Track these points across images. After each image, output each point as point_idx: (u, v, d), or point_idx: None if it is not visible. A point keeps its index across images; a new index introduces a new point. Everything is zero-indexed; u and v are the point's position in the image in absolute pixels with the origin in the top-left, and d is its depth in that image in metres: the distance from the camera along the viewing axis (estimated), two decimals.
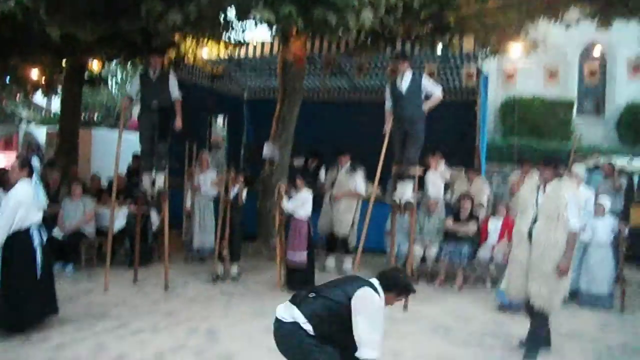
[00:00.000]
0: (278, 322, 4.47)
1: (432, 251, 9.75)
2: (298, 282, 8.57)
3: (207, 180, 10.50)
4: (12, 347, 5.88)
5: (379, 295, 4.33)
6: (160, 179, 8.93)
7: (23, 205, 6.32)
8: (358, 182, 10.31)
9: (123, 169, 11.66)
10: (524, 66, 12.50)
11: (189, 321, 6.99)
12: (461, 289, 9.34)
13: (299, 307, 4.36)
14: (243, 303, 8.04)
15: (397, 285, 4.43)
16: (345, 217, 10.25)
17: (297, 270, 8.68)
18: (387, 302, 4.41)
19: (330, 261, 10.49)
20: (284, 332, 4.40)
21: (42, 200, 6.69)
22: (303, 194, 8.87)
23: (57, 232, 9.59)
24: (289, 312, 4.34)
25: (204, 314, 7.32)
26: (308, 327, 4.27)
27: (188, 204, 10.83)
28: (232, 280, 9.43)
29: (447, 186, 11.98)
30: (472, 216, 9.83)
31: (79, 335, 6.33)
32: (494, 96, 20.92)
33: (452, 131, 13.70)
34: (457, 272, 9.54)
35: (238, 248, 9.71)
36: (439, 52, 11.94)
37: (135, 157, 11.93)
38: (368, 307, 4.24)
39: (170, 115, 8.76)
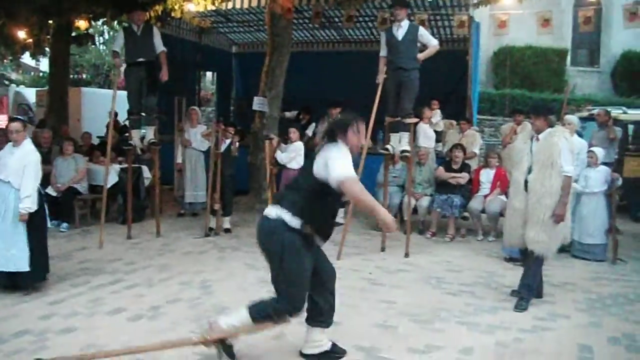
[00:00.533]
0: (263, 218, 4.42)
1: (424, 202, 9.79)
2: None
3: (197, 135, 10.48)
4: (10, 304, 5.93)
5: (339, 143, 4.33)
6: (151, 133, 9.01)
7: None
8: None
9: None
10: (517, 14, 12.40)
11: (183, 275, 7.06)
12: (453, 240, 9.43)
13: (280, 203, 4.33)
14: (236, 256, 8.12)
15: (343, 125, 4.47)
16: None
17: None
18: (349, 143, 4.40)
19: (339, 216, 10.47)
20: (266, 229, 4.37)
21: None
22: (296, 145, 8.90)
23: (50, 191, 9.61)
24: (274, 211, 4.31)
25: (197, 268, 7.38)
26: (293, 222, 4.23)
27: (179, 159, 10.84)
28: (224, 233, 9.50)
29: (439, 137, 12.02)
30: (464, 167, 9.86)
31: (75, 291, 6.38)
32: (486, 45, 20.80)
33: (443, 82, 13.66)
34: (449, 223, 9.62)
35: (230, 202, 9.78)
36: (429, 1, 11.87)
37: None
38: (331, 149, 4.25)
39: (156, 69, 8.80)
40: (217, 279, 6.95)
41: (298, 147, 8.94)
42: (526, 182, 6.19)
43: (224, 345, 4.47)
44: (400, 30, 8.21)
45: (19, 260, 6.21)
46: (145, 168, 10.57)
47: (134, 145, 9.03)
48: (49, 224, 8.76)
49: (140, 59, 8.72)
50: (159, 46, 8.81)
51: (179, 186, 10.98)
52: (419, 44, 8.32)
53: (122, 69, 9.10)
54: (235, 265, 7.62)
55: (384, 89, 8.37)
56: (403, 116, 8.28)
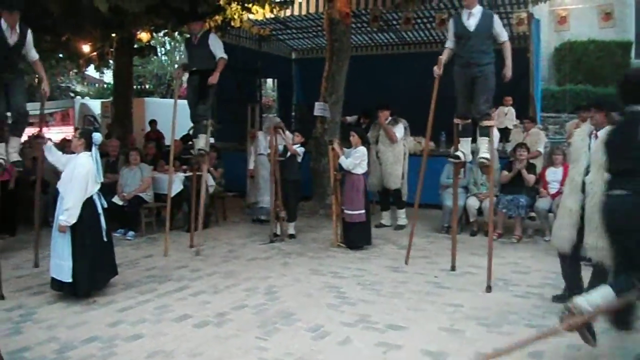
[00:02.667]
0: (619, 197, 4.41)
1: (489, 203, 9.62)
2: (355, 239, 8.63)
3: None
4: (79, 311, 6.05)
5: None
6: (202, 141, 8.91)
7: (89, 177, 6.49)
8: (397, 130, 10.14)
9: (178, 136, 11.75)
10: (577, 8, 12.13)
11: (248, 281, 7.09)
12: (520, 241, 9.24)
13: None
14: (301, 261, 8.12)
15: None
16: (394, 170, 10.10)
17: (354, 227, 8.70)
18: None
19: (386, 217, 10.49)
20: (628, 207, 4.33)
21: (100, 174, 6.81)
22: (360, 150, 8.84)
23: (116, 200, 9.80)
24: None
25: (262, 274, 7.41)
26: None
27: (251, 165, 10.84)
28: (289, 239, 9.53)
29: (506, 135, 11.84)
30: (529, 166, 9.65)
31: (142, 298, 6.48)
32: (547, 41, 20.40)
33: (503, 80, 13.46)
34: (515, 224, 9.43)
35: (294, 208, 9.80)
36: None
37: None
38: None
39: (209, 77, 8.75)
40: (282, 284, 6.96)
41: (362, 152, 8.86)
42: (583, 183, 5.71)
43: (589, 327, 4.36)
44: (472, 19, 7.05)
45: (61, 271, 6.36)
46: (209, 176, 10.67)
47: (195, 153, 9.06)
48: (116, 233, 9.01)
49: (194, 68, 8.88)
50: (218, 54, 8.74)
51: (251, 193, 10.99)
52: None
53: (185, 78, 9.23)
54: (300, 270, 7.62)
55: (450, 86, 7.36)
56: (479, 118, 7.24)
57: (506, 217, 9.47)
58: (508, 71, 7.04)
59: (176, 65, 35.08)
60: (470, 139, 7.56)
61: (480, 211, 9.63)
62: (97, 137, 6.73)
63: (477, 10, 7.05)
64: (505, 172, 9.68)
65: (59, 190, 6.53)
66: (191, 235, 9.15)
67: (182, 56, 9.49)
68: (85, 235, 6.45)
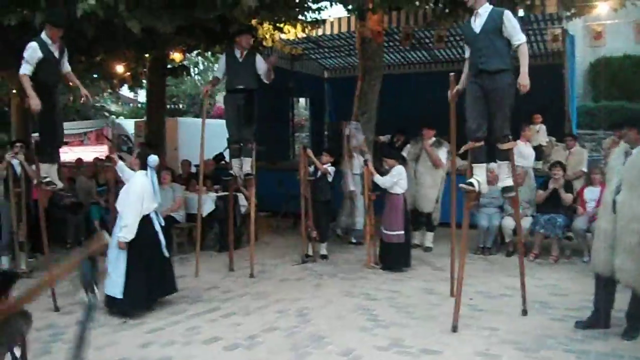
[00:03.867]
0: None
1: (526, 223, 9.43)
2: (393, 261, 8.49)
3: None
4: (109, 332, 6.04)
5: None
6: (247, 164, 8.77)
7: (144, 195, 6.69)
8: (441, 154, 10.02)
9: (209, 155, 11.75)
10: (613, 23, 11.94)
11: (279, 303, 7.02)
12: (557, 262, 9.03)
13: None
14: (333, 283, 8.03)
15: None
16: (430, 193, 9.95)
17: (393, 248, 8.55)
18: None
19: (417, 237, 10.29)
20: None
21: (158, 194, 6.99)
22: (397, 169, 8.71)
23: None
24: None
25: (294, 295, 7.34)
26: None
27: (352, 186, 10.34)
28: (321, 260, 9.44)
29: (539, 155, 11.63)
30: (566, 185, 9.44)
31: (173, 319, 6.45)
32: (582, 58, 20.15)
33: (538, 97, 13.24)
34: (552, 244, 9.22)
35: (326, 228, 9.70)
36: (520, 15, 11.57)
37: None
38: None
39: (254, 98, 8.59)
40: (314, 306, 6.87)
41: (399, 170, 8.71)
42: (614, 202, 5.52)
43: None
44: (479, 20, 6.05)
45: (114, 286, 6.46)
46: (241, 196, 10.64)
47: (235, 175, 8.85)
48: None
49: (240, 86, 8.50)
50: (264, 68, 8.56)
51: (344, 213, 10.70)
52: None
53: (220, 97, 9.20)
54: (332, 292, 7.52)
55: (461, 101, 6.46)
56: (496, 139, 6.15)
57: (543, 237, 9.27)
58: (524, 79, 5.80)
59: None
60: (485, 164, 6.29)
61: (516, 232, 9.44)
62: (152, 159, 6.95)
63: (485, 9, 6.01)
64: (540, 192, 9.49)
65: (117, 208, 6.73)
66: (230, 256, 9.09)
67: (216, 70, 9.04)
68: (142, 253, 6.63)
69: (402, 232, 8.48)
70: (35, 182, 7.54)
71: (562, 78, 12.25)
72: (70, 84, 8.22)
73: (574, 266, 8.81)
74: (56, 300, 6.93)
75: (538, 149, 11.88)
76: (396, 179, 8.62)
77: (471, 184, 6.15)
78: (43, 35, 6.97)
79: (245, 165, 8.76)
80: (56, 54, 7.11)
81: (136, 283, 6.52)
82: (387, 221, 8.60)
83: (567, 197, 9.20)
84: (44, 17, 7.44)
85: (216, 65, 9.37)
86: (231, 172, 8.90)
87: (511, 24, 5.87)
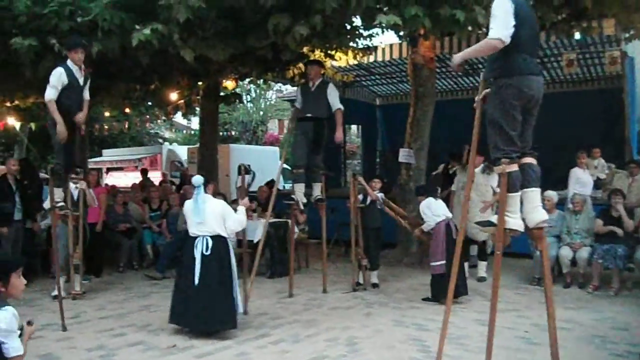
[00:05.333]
0: None
1: (584, 253, 9.17)
2: (435, 292, 8.29)
3: None
4: (158, 356, 6.05)
5: None
6: (317, 190, 9.10)
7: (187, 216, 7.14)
8: (492, 180, 9.82)
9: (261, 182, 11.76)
10: None
11: (329, 331, 6.93)
12: (617, 294, 8.73)
13: None
14: (383, 312, 7.91)
15: None
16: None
17: (435, 279, 8.36)
18: None
19: (465, 269, 9.99)
20: None
21: (200, 212, 7.04)
22: (424, 204, 8.59)
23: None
24: None
25: (344, 324, 7.23)
26: None
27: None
28: (372, 288, 9.31)
29: (598, 184, 11.36)
30: (627, 213, 9.15)
31: (221, 345, 6.43)
32: None
33: (596, 122, 13.02)
34: (613, 276, 8.93)
35: (376, 256, 9.59)
36: (576, 39, 11.42)
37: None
38: None
39: (324, 127, 8.85)
40: (364, 336, 6.76)
41: (426, 204, 8.54)
42: None
43: None
44: None
45: None
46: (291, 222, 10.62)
47: (296, 200, 8.91)
48: None
49: (309, 114, 8.79)
50: (335, 104, 8.80)
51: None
52: None
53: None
54: (382, 321, 7.39)
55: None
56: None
57: (602, 269, 8.99)
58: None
59: (261, 112, 36.12)
60: (518, 194, 5.07)
61: (574, 262, 9.20)
62: (196, 179, 7.16)
63: None
64: (599, 221, 9.23)
65: (196, 233, 6.92)
66: (290, 282, 9.04)
67: (296, 102, 9.45)
68: (179, 272, 7.05)
69: (442, 262, 8.22)
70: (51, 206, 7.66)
71: (622, 102, 11.97)
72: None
73: (635, 299, 8.48)
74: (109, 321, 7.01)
75: (596, 180, 11.63)
76: (427, 214, 8.53)
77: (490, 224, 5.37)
78: (69, 62, 7.29)
79: (315, 190, 9.12)
80: (80, 81, 7.41)
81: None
82: (431, 251, 8.45)
83: (629, 223, 8.92)
84: (99, 47, 7.64)
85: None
86: (293, 197, 8.95)
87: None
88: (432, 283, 8.38)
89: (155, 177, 20.34)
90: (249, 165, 8.12)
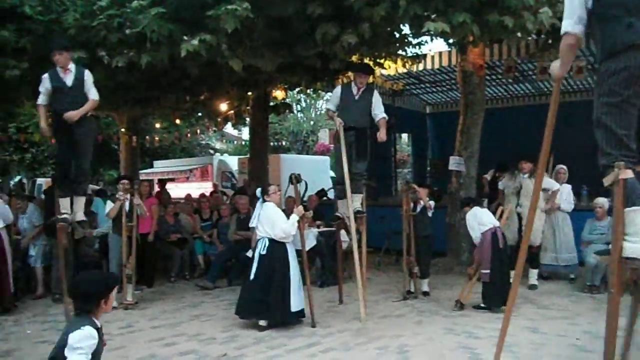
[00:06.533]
0: None
1: None
2: (491, 298, 8.22)
3: (563, 195, 10.18)
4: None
5: None
6: (358, 201, 8.41)
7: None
8: (551, 181, 9.75)
9: (312, 191, 11.78)
10: None
11: (379, 339, 6.91)
12: None
13: None
14: (434, 320, 7.86)
15: None
16: (537, 226, 9.48)
17: (483, 287, 8.29)
18: None
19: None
20: None
21: (256, 218, 7.96)
22: (469, 214, 8.54)
23: (250, 254, 9.92)
24: None
25: (395, 332, 7.21)
26: None
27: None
28: (423, 296, 9.27)
29: None
30: None
31: (272, 353, 6.47)
32: None
33: None
34: None
35: (427, 264, 9.54)
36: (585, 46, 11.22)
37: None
38: None
39: (368, 135, 8.33)
40: (414, 343, 6.73)
41: (472, 214, 8.50)
42: None
43: None
44: None
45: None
46: (342, 232, 10.61)
47: (342, 216, 8.59)
48: None
49: (351, 124, 8.15)
50: (379, 114, 8.22)
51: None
52: None
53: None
54: (433, 329, 7.35)
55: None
56: None
57: None
58: None
59: (312, 122, 36.17)
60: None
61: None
62: (258, 190, 8.11)
63: None
64: None
65: (258, 235, 7.81)
66: (340, 290, 9.09)
67: (329, 103, 8.73)
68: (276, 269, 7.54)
69: (487, 270, 8.14)
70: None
71: None
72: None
73: None
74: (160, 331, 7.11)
75: None
76: (471, 224, 8.49)
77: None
78: (58, 67, 7.33)
79: (355, 202, 8.20)
80: (68, 82, 7.36)
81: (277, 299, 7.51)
82: (477, 260, 8.39)
83: None
84: (148, 58, 7.76)
85: (319, 102, 9.37)
86: (338, 214, 8.68)
87: None
88: (482, 291, 8.31)
89: (207, 187, 20.58)
90: (299, 175, 8.20)
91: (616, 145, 3.81)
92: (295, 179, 8.07)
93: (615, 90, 3.75)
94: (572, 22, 3.91)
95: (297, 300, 7.56)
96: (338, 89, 8.51)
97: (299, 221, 7.75)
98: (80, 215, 7.96)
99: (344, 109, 8.26)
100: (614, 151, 3.81)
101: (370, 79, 12.49)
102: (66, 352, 3.55)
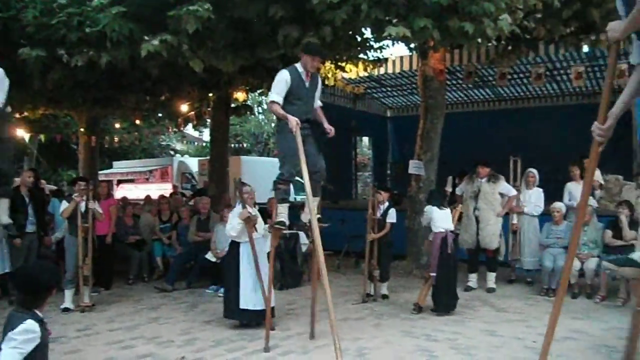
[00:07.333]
0: None
1: (591, 264, 9.17)
2: (437, 302, 8.29)
3: (532, 198, 10.38)
4: None
5: None
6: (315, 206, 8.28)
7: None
8: (508, 186, 9.92)
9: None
10: None
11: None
12: (625, 304, 8.68)
13: None
14: (393, 323, 7.89)
15: None
16: (495, 229, 9.74)
17: (437, 290, 8.34)
18: None
19: (473, 280, 10.03)
20: None
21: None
22: (427, 210, 8.68)
23: (210, 257, 9.87)
24: None
25: (353, 335, 7.23)
26: None
27: (515, 219, 10.46)
28: (382, 299, 9.31)
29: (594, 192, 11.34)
30: (632, 223, 9.15)
31: (231, 356, 6.46)
32: None
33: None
34: (620, 286, 8.90)
35: (387, 267, 9.57)
36: (585, 51, 11.44)
37: None
38: None
39: (320, 128, 6.99)
40: (373, 346, 6.76)
41: (427, 210, 8.67)
42: None
43: None
44: None
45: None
46: (302, 234, 10.64)
47: (284, 223, 7.13)
48: (208, 289, 9.19)
49: (308, 116, 6.76)
50: (318, 101, 7.06)
51: (513, 251, 10.49)
52: None
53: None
54: (392, 332, 7.39)
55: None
56: None
57: (610, 279, 8.97)
58: None
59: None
60: None
61: (582, 272, 9.19)
62: None
63: None
64: (608, 232, 9.22)
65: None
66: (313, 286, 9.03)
67: (273, 93, 6.60)
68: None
69: (434, 274, 8.23)
70: None
71: (630, 115, 11.93)
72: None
73: None
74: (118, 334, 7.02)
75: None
76: (425, 217, 8.74)
77: None
78: None
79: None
80: None
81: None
82: (430, 261, 8.51)
83: (630, 234, 8.90)
84: (108, 57, 7.66)
85: None
86: (282, 220, 6.98)
87: None
88: (432, 294, 8.39)
89: (167, 189, 20.42)
90: (240, 179, 8.27)
91: None
92: (239, 184, 8.07)
93: None
94: None
95: (251, 299, 7.54)
96: (286, 75, 6.56)
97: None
98: (5, 219, 7.61)
99: (296, 100, 6.59)
100: None
101: (332, 82, 12.61)
102: (2, 345, 3.52)
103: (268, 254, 7.52)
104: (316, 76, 6.92)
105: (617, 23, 3.68)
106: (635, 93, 3.79)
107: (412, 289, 9.86)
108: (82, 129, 16.44)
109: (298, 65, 6.64)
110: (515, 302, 8.91)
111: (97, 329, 7.67)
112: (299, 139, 6.17)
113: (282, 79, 6.53)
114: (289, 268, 10.33)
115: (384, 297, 9.41)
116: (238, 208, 7.76)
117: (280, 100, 6.49)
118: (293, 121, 6.19)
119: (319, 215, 6.90)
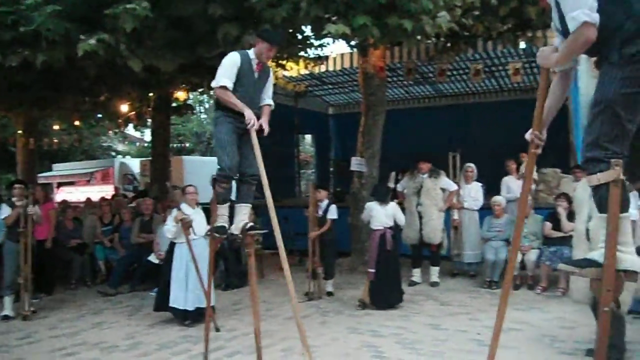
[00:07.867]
0: None
1: (532, 255, 9.36)
2: (375, 298, 8.36)
3: (471, 192, 10.58)
4: None
5: None
6: (246, 213, 7.98)
7: None
8: (449, 181, 10.08)
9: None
10: None
11: (284, 341, 6.93)
12: (565, 294, 8.86)
13: None
14: (339, 320, 7.92)
15: None
16: (438, 224, 9.88)
17: (378, 285, 8.42)
18: None
19: (416, 275, 10.14)
20: None
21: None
22: (367, 206, 8.79)
23: (152, 258, 9.75)
24: None
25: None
26: None
27: (456, 215, 10.63)
28: (327, 297, 9.33)
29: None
30: (570, 215, 9.36)
31: (176, 359, 6.42)
32: (587, 88, 20.10)
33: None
34: (560, 277, 9.11)
35: (332, 265, 9.60)
36: (522, 48, 11.67)
37: None
38: None
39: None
40: (320, 344, 6.76)
41: (368, 207, 8.76)
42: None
43: None
44: None
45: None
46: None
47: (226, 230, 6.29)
48: (152, 292, 9.05)
49: (255, 110, 5.92)
50: (268, 98, 6.10)
51: (455, 245, 10.68)
52: None
53: None
54: (338, 329, 7.42)
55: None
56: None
57: (550, 270, 9.17)
58: None
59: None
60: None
61: (523, 265, 9.37)
62: None
63: None
64: (548, 224, 9.42)
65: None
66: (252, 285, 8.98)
67: (221, 77, 5.60)
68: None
69: (373, 270, 8.37)
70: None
71: (567, 110, 12.21)
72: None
73: None
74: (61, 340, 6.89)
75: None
76: (365, 212, 8.90)
77: None
78: None
79: (243, 216, 6.22)
80: None
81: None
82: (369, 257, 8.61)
83: (568, 225, 9.09)
84: (44, 57, 7.49)
85: None
86: (223, 224, 6.21)
87: None
88: (369, 290, 8.45)
89: (108, 191, 20.11)
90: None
91: (616, 138, 3.25)
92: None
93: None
94: (588, 11, 3.09)
95: (180, 299, 7.74)
96: (237, 57, 5.70)
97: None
98: None
99: (239, 87, 5.69)
100: (611, 145, 3.23)
101: (273, 79, 12.54)
102: None
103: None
104: (268, 69, 6.10)
105: (549, 49, 3.61)
106: (562, 98, 3.82)
107: (356, 286, 9.90)
108: (19, 131, 16.07)
109: (250, 52, 5.77)
110: (459, 295, 9.04)
111: (39, 336, 7.50)
112: (255, 143, 5.57)
113: (233, 62, 5.65)
114: (234, 268, 10.27)
115: (329, 294, 9.43)
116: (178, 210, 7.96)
117: (230, 85, 5.58)
118: (250, 115, 5.48)
119: (251, 224, 6.23)
